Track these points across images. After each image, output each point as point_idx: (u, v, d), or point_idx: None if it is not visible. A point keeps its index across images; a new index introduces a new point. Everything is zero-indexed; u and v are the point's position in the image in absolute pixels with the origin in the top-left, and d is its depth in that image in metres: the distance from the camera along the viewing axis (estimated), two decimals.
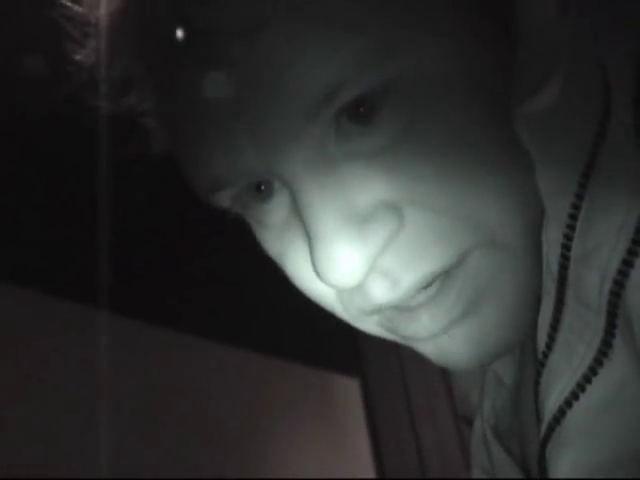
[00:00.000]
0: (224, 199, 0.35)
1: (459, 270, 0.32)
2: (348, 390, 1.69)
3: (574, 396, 0.29)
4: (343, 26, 0.28)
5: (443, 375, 1.61)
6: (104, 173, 0.91)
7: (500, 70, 0.32)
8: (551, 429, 0.31)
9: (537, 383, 0.32)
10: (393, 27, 0.29)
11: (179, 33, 0.30)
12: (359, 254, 0.30)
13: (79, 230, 1.00)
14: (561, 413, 0.30)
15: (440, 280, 0.32)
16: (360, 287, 0.33)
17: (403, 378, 1.70)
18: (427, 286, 0.33)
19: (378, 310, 0.34)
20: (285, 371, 1.45)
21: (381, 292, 0.32)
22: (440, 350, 0.35)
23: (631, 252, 0.25)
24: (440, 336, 0.34)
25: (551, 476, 0.31)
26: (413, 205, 0.31)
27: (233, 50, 0.29)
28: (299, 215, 0.32)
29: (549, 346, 0.30)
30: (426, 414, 1.65)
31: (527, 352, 0.40)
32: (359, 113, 0.30)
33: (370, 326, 0.37)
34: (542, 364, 0.31)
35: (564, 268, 0.28)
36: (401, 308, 0.34)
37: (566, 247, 0.28)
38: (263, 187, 0.34)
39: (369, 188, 0.31)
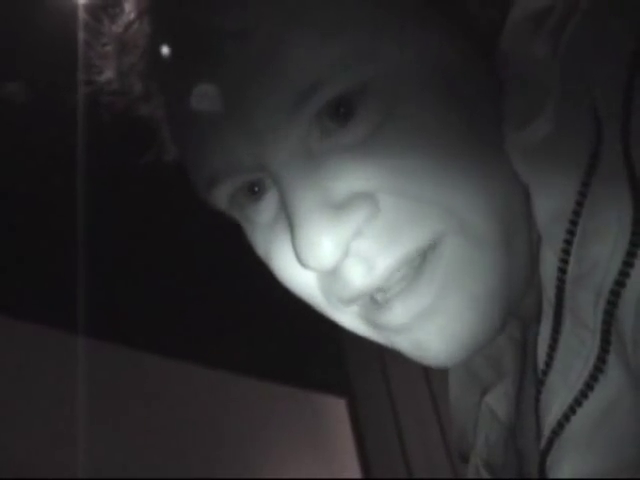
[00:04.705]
0: (221, 198, 0.38)
1: (431, 257, 0.34)
2: (336, 409, 1.69)
3: (572, 410, 0.31)
4: (321, 33, 0.32)
5: (430, 392, 1.62)
6: (84, 198, 0.91)
7: (471, 74, 0.35)
8: (550, 442, 0.32)
9: (537, 401, 0.33)
10: (368, 35, 0.33)
11: (183, 35, 0.35)
12: (334, 237, 0.33)
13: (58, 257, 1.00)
14: (560, 426, 0.32)
15: (413, 269, 0.34)
16: (339, 274, 0.35)
17: (390, 396, 1.71)
18: (403, 274, 0.34)
19: (356, 298, 0.36)
20: (275, 393, 1.44)
21: (358, 276, 0.34)
22: (416, 344, 0.36)
23: (623, 273, 0.27)
24: (414, 329, 0.35)
25: None
26: (387, 193, 0.33)
27: (225, 48, 0.33)
28: (284, 209, 0.35)
29: (548, 364, 0.32)
30: (414, 430, 1.65)
31: (524, 387, 0.42)
32: (339, 113, 0.33)
33: (349, 318, 0.39)
34: (542, 382, 0.33)
35: (560, 291, 0.30)
36: (377, 301, 0.36)
37: (562, 270, 0.30)
38: (257, 188, 0.37)
39: (346, 179, 0.33)
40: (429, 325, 0.35)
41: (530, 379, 0.41)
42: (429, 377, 1.64)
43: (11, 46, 0.83)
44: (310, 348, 1.54)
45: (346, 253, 0.33)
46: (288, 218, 0.34)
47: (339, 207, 0.33)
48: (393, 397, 1.70)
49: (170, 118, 0.40)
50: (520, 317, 0.42)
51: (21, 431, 0.90)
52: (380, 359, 1.72)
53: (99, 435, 0.96)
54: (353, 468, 1.61)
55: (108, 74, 0.41)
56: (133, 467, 1.03)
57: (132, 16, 0.38)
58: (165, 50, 0.36)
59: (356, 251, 0.34)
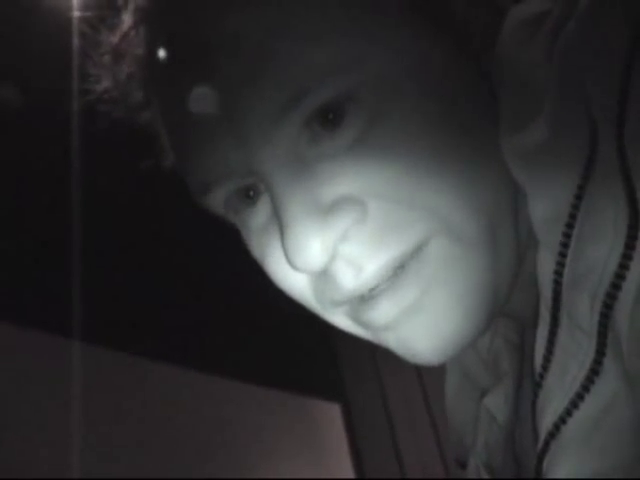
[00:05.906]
0: (217, 203, 0.39)
1: (416, 257, 0.35)
2: (330, 414, 1.69)
3: (568, 413, 0.31)
4: (307, 41, 0.33)
5: (424, 397, 1.62)
6: (78, 202, 0.91)
7: (460, 79, 0.36)
8: (547, 445, 0.33)
9: (534, 403, 0.34)
10: (354, 42, 0.33)
11: (175, 46, 0.37)
12: (321, 239, 0.34)
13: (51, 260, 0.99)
14: (556, 428, 0.32)
15: (400, 268, 0.35)
16: (329, 277, 0.36)
17: (384, 401, 1.71)
18: (390, 274, 0.35)
19: (347, 300, 0.37)
20: (269, 398, 1.44)
21: (347, 278, 0.35)
22: (402, 342, 0.36)
23: (619, 275, 0.27)
24: (400, 326, 0.36)
25: None
26: (375, 198, 0.34)
27: (215, 58, 0.34)
28: (275, 212, 0.35)
29: (545, 367, 0.32)
30: (407, 435, 1.65)
31: (522, 388, 0.42)
32: (328, 119, 0.34)
33: (340, 319, 0.39)
34: (539, 385, 0.33)
35: (557, 293, 0.31)
36: (364, 298, 0.36)
37: (558, 273, 0.30)
38: (252, 193, 0.38)
39: (334, 183, 0.34)
40: (414, 322, 0.35)
41: (528, 382, 0.41)
42: (423, 382, 1.64)
43: (7, 55, 0.83)
44: (304, 354, 1.54)
45: (333, 256, 0.34)
46: (278, 221, 0.35)
47: (327, 211, 0.34)
48: (387, 402, 1.70)
49: (165, 125, 0.40)
50: (518, 320, 0.43)
51: (21, 432, 0.90)
52: (374, 364, 1.72)
53: (98, 437, 0.96)
54: (347, 473, 1.61)
55: (106, 83, 0.42)
56: (131, 470, 1.03)
57: (128, 26, 0.39)
58: (158, 59, 0.37)
59: (344, 254, 0.35)
